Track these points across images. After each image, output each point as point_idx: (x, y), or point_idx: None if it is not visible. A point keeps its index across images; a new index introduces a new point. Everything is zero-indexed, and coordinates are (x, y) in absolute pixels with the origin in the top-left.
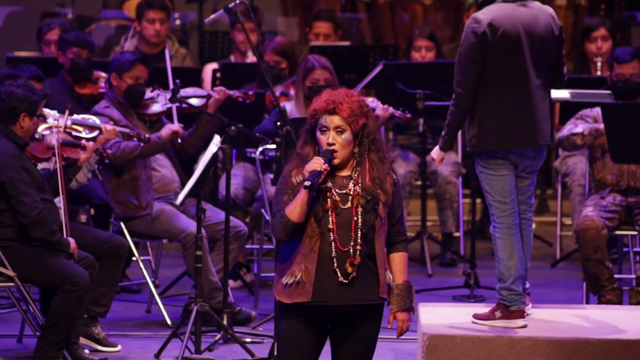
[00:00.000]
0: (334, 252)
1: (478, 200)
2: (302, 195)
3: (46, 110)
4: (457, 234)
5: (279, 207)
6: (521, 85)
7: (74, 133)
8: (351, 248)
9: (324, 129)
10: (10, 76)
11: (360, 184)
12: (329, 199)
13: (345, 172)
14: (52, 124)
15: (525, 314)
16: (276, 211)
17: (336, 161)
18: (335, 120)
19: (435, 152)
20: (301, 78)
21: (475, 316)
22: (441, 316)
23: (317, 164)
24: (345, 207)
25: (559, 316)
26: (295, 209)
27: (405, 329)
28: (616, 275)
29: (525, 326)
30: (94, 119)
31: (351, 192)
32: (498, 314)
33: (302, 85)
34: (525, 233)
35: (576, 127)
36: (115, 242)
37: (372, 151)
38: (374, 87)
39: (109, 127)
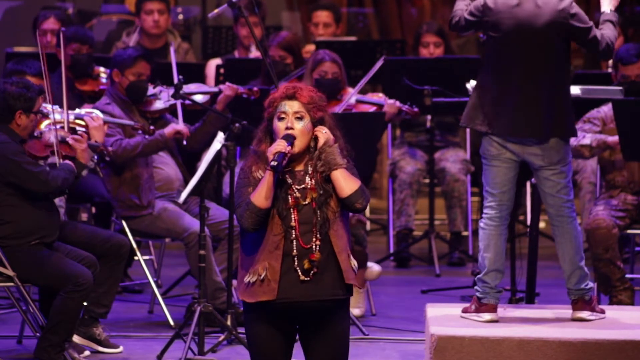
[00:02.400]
0: (295, 250)
1: None
2: (267, 177)
3: (47, 106)
4: (465, 233)
5: (243, 198)
6: (507, 77)
7: (77, 128)
8: (313, 244)
9: (283, 115)
10: (14, 72)
11: (314, 178)
12: (289, 197)
13: (301, 168)
14: (55, 119)
15: (496, 309)
16: (240, 202)
17: (295, 149)
18: (295, 105)
19: None
20: (310, 70)
21: (462, 310)
22: (449, 317)
23: (280, 145)
24: (306, 202)
25: (569, 317)
26: (260, 194)
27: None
28: (628, 275)
29: (493, 321)
30: (94, 112)
31: (308, 187)
32: (472, 307)
33: (310, 77)
34: (563, 230)
35: (584, 137)
36: (117, 241)
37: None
38: (380, 82)
39: (89, 118)
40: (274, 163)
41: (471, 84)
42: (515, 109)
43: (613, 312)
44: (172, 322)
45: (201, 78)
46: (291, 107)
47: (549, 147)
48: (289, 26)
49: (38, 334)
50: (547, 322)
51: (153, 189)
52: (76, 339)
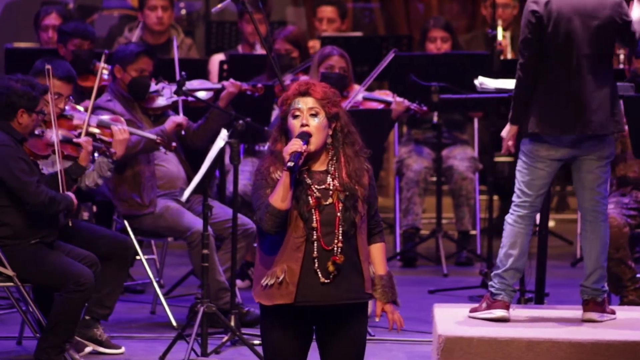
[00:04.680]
0: (315, 252)
1: (495, 197)
2: (284, 178)
3: (71, 106)
4: (473, 232)
5: (262, 200)
6: (568, 73)
7: (97, 136)
8: (335, 246)
9: (297, 112)
10: (42, 72)
11: (337, 179)
12: (310, 197)
13: (321, 167)
14: (77, 123)
15: (508, 307)
16: (259, 204)
17: (311, 147)
18: (309, 102)
19: (505, 130)
20: (317, 64)
21: (470, 311)
22: (457, 317)
23: (296, 145)
24: (327, 203)
25: (579, 317)
26: (278, 195)
27: (397, 320)
28: (639, 275)
29: (504, 319)
30: (121, 122)
31: (331, 187)
32: (484, 305)
33: (316, 71)
34: (594, 227)
35: None
36: (123, 243)
37: (346, 145)
38: (387, 79)
39: (116, 129)
40: (290, 164)
41: (479, 80)
42: (571, 107)
43: (624, 313)
44: (174, 323)
45: (204, 74)
46: (305, 103)
47: (604, 142)
48: (294, 21)
49: (38, 335)
50: (556, 323)
51: (155, 187)
52: (77, 338)
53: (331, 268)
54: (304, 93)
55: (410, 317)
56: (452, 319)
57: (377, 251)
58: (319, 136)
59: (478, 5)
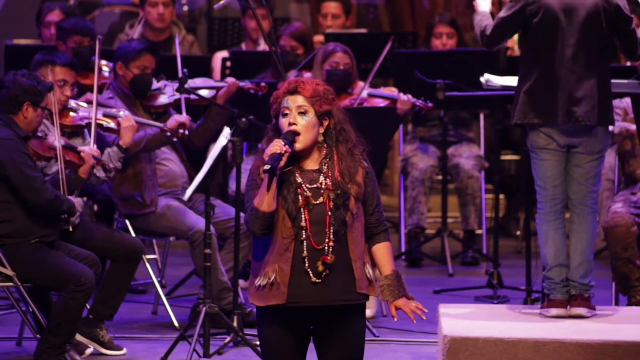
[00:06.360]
0: (305, 251)
1: (501, 196)
2: (265, 181)
3: (74, 102)
4: (479, 231)
5: (251, 202)
6: (553, 63)
7: (104, 125)
8: (326, 245)
9: (286, 111)
10: (44, 62)
11: (330, 177)
12: (299, 196)
13: (314, 166)
14: (83, 115)
15: (564, 304)
16: (248, 206)
17: (298, 145)
18: (298, 100)
19: None
20: (320, 61)
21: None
22: (463, 317)
23: (276, 146)
24: (318, 202)
25: (586, 317)
26: (260, 197)
27: (415, 309)
28: None
29: (559, 316)
30: (125, 112)
31: (322, 186)
32: (544, 303)
33: (320, 68)
34: (582, 219)
35: None
36: (132, 245)
37: (340, 143)
38: (392, 76)
39: (121, 118)
40: (266, 166)
41: (485, 78)
42: (555, 96)
43: (632, 312)
44: (176, 323)
45: (207, 72)
46: (294, 101)
47: (594, 136)
48: (297, 17)
49: (38, 336)
50: (563, 323)
51: (156, 186)
52: (79, 338)
53: (321, 268)
54: (293, 91)
55: (415, 317)
56: (457, 319)
57: (382, 251)
58: (307, 135)
59: None
